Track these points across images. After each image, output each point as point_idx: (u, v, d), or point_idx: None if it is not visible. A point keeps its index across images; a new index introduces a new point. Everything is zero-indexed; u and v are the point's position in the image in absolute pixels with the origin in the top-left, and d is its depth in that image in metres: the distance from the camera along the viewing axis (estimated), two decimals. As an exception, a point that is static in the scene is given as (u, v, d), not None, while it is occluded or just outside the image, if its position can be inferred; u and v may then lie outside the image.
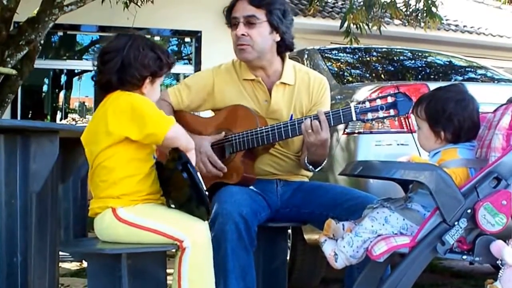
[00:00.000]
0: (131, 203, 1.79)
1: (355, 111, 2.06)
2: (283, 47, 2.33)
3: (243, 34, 2.23)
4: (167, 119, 1.79)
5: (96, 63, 1.86)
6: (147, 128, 1.76)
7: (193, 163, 1.82)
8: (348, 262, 1.81)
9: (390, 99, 2.04)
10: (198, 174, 1.78)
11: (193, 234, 1.76)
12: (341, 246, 1.81)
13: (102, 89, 1.85)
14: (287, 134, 2.18)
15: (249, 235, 2.05)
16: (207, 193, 1.76)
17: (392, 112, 2.04)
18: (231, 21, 2.28)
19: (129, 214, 1.78)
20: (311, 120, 2.08)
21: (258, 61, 2.29)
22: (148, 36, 2.01)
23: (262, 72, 2.33)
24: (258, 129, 2.20)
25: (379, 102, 2.05)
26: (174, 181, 1.80)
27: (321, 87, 2.37)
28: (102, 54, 1.85)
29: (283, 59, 2.36)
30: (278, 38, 2.29)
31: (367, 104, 2.06)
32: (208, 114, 2.48)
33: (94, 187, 1.85)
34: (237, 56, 2.30)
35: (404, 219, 1.79)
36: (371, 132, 2.71)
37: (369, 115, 2.06)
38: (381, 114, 2.05)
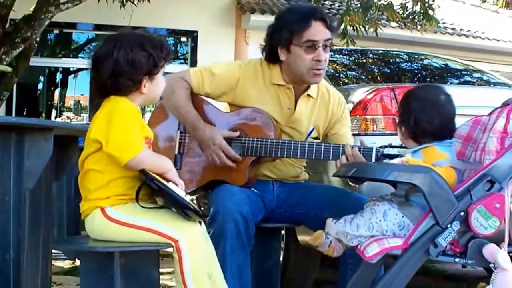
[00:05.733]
0: (120, 202, 1.77)
1: (376, 155, 2.09)
2: None
3: (325, 60, 2.21)
4: (133, 147, 1.70)
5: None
6: (110, 149, 1.70)
7: (177, 181, 1.78)
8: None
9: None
10: (171, 185, 1.72)
11: (187, 233, 1.74)
12: (340, 234, 1.87)
13: (100, 94, 1.81)
14: (303, 155, 2.18)
15: (247, 235, 2.05)
16: (189, 197, 1.74)
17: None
18: (305, 44, 2.19)
19: (119, 213, 1.76)
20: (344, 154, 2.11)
21: None
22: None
23: (297, 84, 2.30)
24: (275, 140, 2.19)
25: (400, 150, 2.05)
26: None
27: (340, 105, 2.39)
28: (93, 62, 1.80)
29: None
30: None
31: (388, 150, 2.08)
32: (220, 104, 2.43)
33: (83, 190, 1.83)
34: (309, 79, 2.24)
35: (403, 216, 1.81)
36: (366, 134, 2.71)
37: (385, 160, 2.08)
38: (397, 161, 2.07)
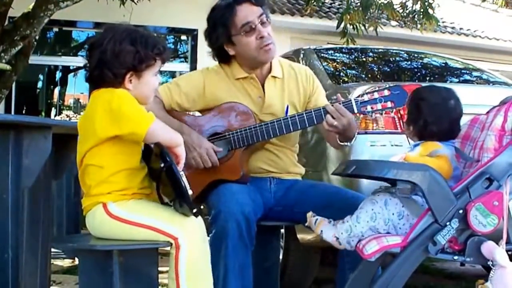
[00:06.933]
0: (122, 198, 1.77)
1: (356, 104, 2.11)
2: None
3: (268, 34, 2.22)
4: (146, 117, 1.73)
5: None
6: (127, 128, 1.71)
7: (183, 159, 1.79)
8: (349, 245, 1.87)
9: (386, 92, 2.11)
10: (182, 174, 1.74)
11: (187, 230, 1.75)
12: (339, 232, 1.87)
13: (90, 83, 1.82)
14: (288, 129, 2.19)
15: (249, 234, 2.05)
16: (190, 192, 1.74)
17: (389, 104, 2.11)
18: (242, 29, 2.22)
19: (121, 210, 1.76)
20: (327, 114, 2.11)
21: None
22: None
23: (258, 70, 2.32)
24: (258, 124, 2.21)
25: (376, 95, 2.11)
26: (162, 178, 1.77)
27: (308, 78, 2.41)
28: (87, 49, 1.83)
29: None
30: None
31: (366, 97, 2.12)
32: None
33: (84, 186, 1.83)
34: (263, 58, 2.26)
35: (402, 206, 1.82)
36: (366, 133, 2.71)
37: (369, 108, 2.12)
38: (379, 106, 2.12)
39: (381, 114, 2.13)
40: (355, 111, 2.11)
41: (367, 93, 2.13)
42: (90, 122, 1.76)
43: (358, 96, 2.13)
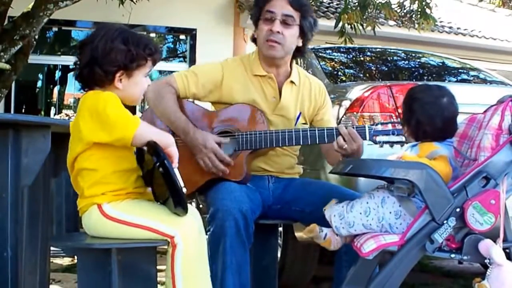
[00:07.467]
0: (117, 199, 1.76)
1: (369, 132, 2.13)
2: (299, 53, 2.39)
3: (278, 31, 2.26)
4: (131, 122, 1.69)
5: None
6: (114, 134, 1.69)
7: (176, 158, 1.76)
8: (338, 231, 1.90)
9: (400, 126, 2.11)
10: (176, 171, 1.72)
11: (183, 229, 1.74)
12: (334, 213, 1.90)
13: (80, 82, 1.80)
14: (298, 141, 2.20)
15: (247, 232, 2.06)
16: (185, 190, 1.73)
17: (401, 138, 2.11)
18: (265, 15, 2.28)
19: (116, 211, 1.75)
20: (339, 135, 2.13)
21: (279, 60, 2.32)
22: (144, 33, 1.93)
23: (275, 69, 2.35)
24: (268, 131, 2.21)
25: (390, 126, 2.13)
26: (155, 177, 1.76)
27: (321, 92, 2.44)
28: (78, 47, 1.81)
29: (291, 61, 2.40)
30: (300, 44, 2.34)
31: (380, 127, 2.14)
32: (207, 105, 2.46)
33: (78, 188, 1.82)
34: (264, 51, 2.30)
35: (400, 205, 1.82)
36: (363, 132, 2.72)
37: (380, 137, 2.13)
38: (391, 138, 2.12)
39: (391, 146, 2.14)
40: (367, 138, 2.13)
41: (381, 123, 2.15)
42: (78, 125, 1.74)
43: (372, 124, 2.15)
